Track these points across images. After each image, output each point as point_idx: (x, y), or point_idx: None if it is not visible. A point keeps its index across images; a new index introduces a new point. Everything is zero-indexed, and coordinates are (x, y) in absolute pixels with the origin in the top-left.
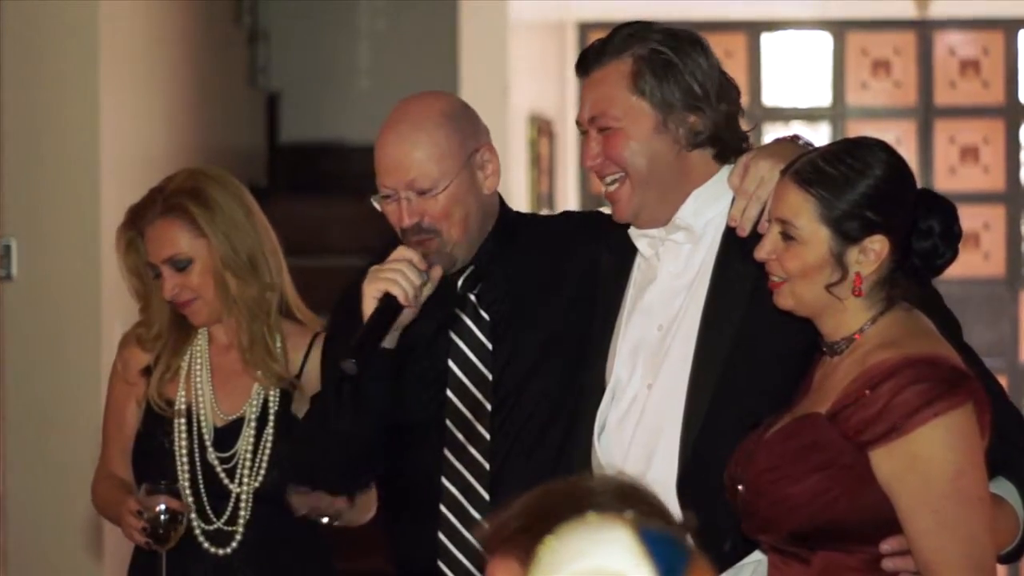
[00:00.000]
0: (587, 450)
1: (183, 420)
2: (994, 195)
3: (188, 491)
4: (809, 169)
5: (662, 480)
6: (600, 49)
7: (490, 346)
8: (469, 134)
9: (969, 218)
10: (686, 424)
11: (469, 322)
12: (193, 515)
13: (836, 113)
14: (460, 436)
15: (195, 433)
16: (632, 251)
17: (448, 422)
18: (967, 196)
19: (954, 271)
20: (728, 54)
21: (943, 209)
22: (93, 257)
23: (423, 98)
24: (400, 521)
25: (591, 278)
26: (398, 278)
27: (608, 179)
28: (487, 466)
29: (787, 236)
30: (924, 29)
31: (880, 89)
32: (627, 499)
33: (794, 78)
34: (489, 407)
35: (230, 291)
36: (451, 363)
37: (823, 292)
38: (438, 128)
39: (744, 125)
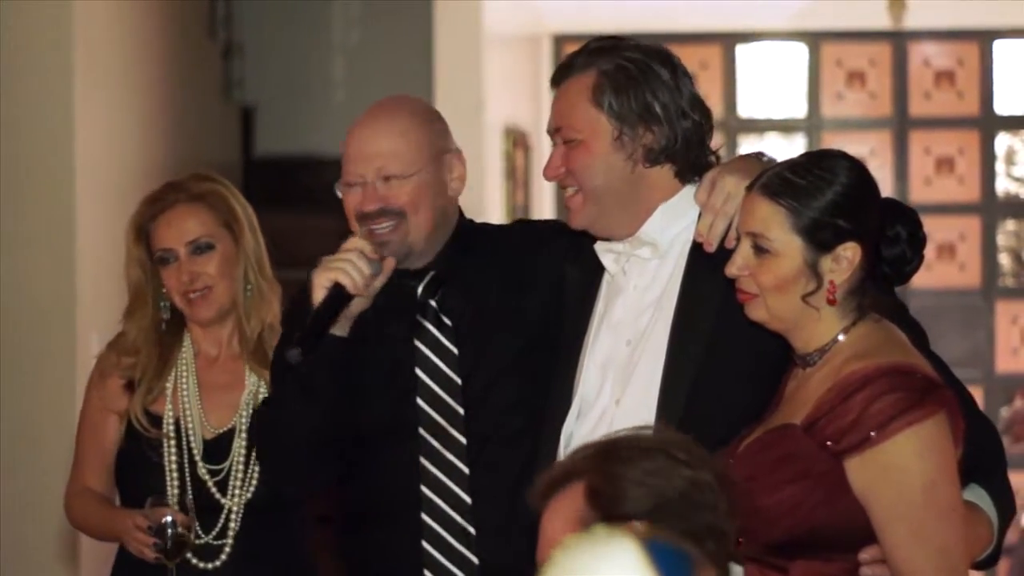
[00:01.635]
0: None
1: (172, 435)
2: (969, 206)
3: (177, 507)
4: (777, 181)
5: None
6: (570, 62)
7: (455, 351)
8: (439, 134)
9: (944, 229)
10: None
11: (432, 328)
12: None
13: (811, 124)
14: (435, 442)
15: (184, 447)
16: (599, 265)
17: (421, 430)
18: (942, 207)
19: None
20: (703, 66)
21: (908, 216)
22: (68, 269)
23: (398, 96)
24: (375, 532)
25: (554, 285)
26: (347, 267)
27: (568, 190)
28: (465, 470)
29: (760, 249)
30: (899, 40)
31: (855, 100)
32: (680, 438)
33: (769, 89)
34: (462, 411)
35: (242, 289)
36: (419, 372)
37: (797, 303)
38: (411, 121)
39: (715, 142)
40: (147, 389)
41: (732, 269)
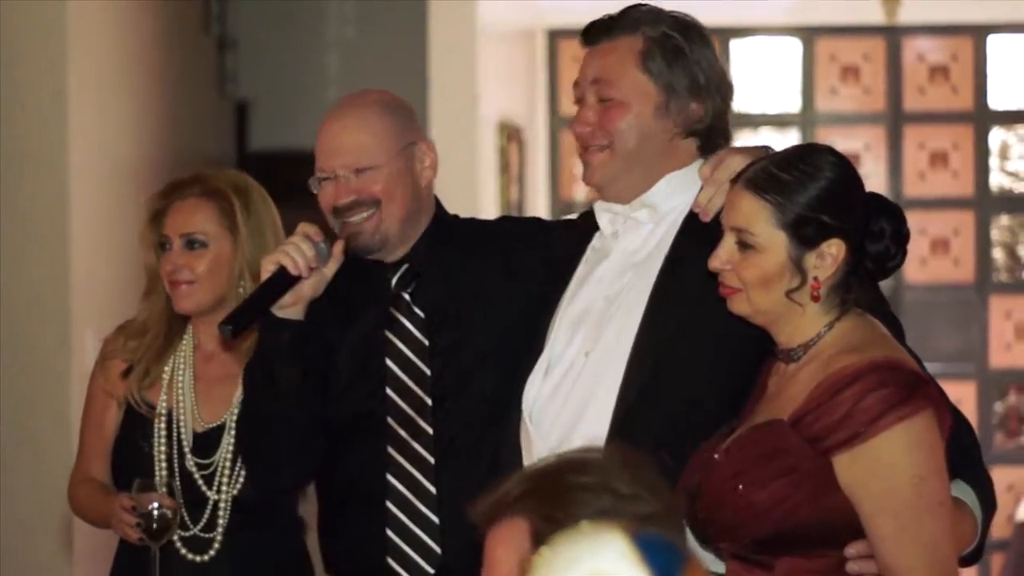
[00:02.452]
0: (516, 431)
1: (163, 425)
2: (963, 201)
3: (164, 489)
4: (762, 176)
5: (590, 440)
6: (611, 23)
7: (426, 342)
8: (407, 125)
9: (938, 224)
10: (623, 389)
11: (404, 320)
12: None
13: (805, 119)
14: (403, 432)
15: (174, 438)
16: (580, 247)
17: (389, 419)
18: (936, 202)
19: (924, 277)
20: None
21: (891, 211)
22: (62, 265)
23: (365, 91)
24: (344, 520)
25: (530, 281)
26: (290, 250)
27: (593, 147)
28: (431, 460)
29: (744, 244)
30: (893, 35)
31: (849, 95)
32: (625, 466)
33: (763, 84)
34: (430, 402)
35: (234, 289)
36: (389, 362)
37: (781, 299)
38: (377, 113)
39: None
40: (144, 371)
41: (715, 263)
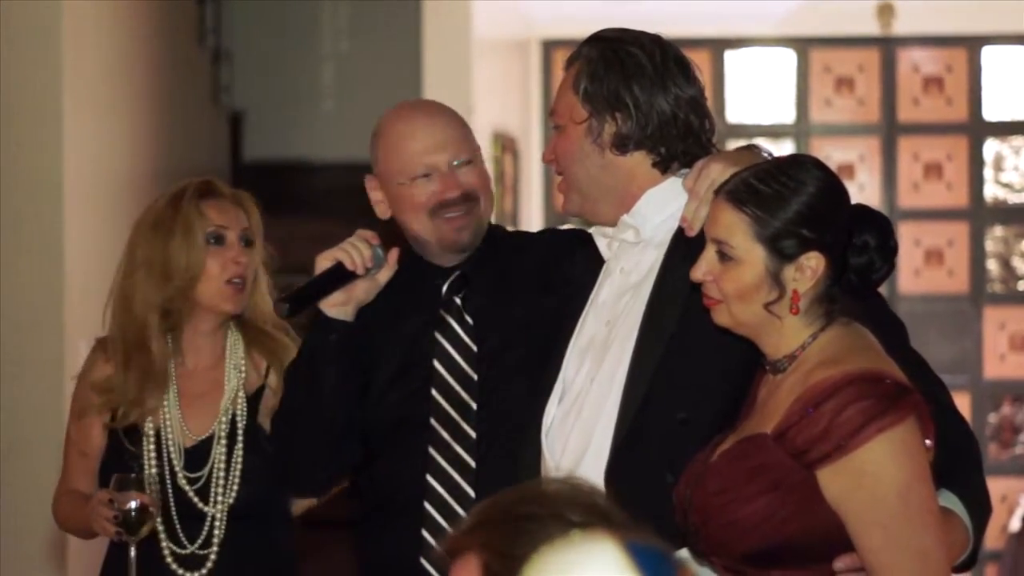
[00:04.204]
0: (537, 449)
1: (152, 446)
2: (958, 212)
3: (159, 517)
4: (742, 188)
5: (593, 473)
6: (576, 51)
7: (475, 347)
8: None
9: (933, 235)
10: (620, 420)
11: (454, 324)
12: (163, 538)
13: (800, 130)
14: (445, 434)
15: (164, 457)
16: (601, 260)
17: (433, 420)
18: (931, 213)
19: (918, 287)
20: None
21: (878, 223)
22: (57, 275)
23: (418, 99)
24: (382, 519)
25: (558, 296)
26: (349, 248)
27: (558, 177)
28: (473, 464)
29: (724, 256)
30: (887, 46)
31: (844, 106)
32: (580, 494)
33: (758, 95)
34: (475, 406)
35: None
36: (436, 363)
37: (761, 311)
38: (455, 112)
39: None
40: (126, 413)
41: (697, 274)
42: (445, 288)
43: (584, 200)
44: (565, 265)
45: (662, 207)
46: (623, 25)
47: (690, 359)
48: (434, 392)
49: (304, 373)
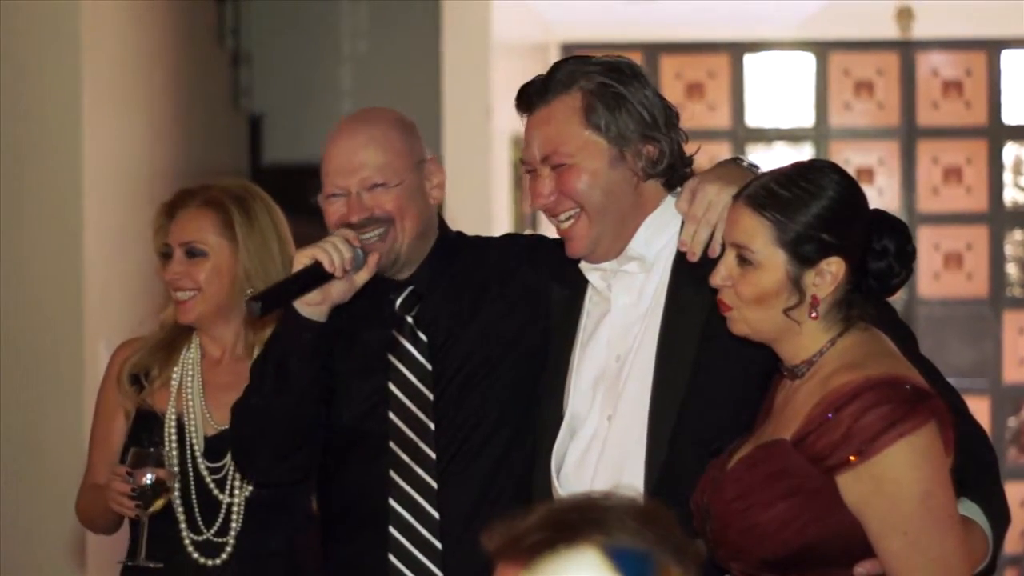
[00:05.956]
0: (547, 487)
1: (173, 431)
2: (977, 215)
3: (179, 502)
4: (763, 193)
5: None
6: (544, 86)
7: (429, 367)
8: (416, 143)
9: (952, 238)
10: (649, 455)
11: (408, 344)
12: (183, 526)
13: (819, 134)
14: (404, 456)
15: (186, 443)
16: (583, 282)
17: (391, 443)
18: (950, 217)
19: (937, 292)
20: (711, 75)
21: (896, 229)
22: (76, 276)
23: (372, 109)
24: (344, 546)
25: (535, 301)
26: (329, 248)
27: (562, 216)
28: (434, 485)
29: (743, 260)
30: (907, 50)
31: (863, 110)
32: (644, 518)
33: (777, 99)
34: (433, 427)
35: (237, 295)
36: (392, 386)
37: (779, 317)
38: (389, 130)
39: (723, 152)
40: (152, 374)
41: (716, 279)
42: (398, 305)
43: (602, 236)
44: (525, 272)
45: (660, 232)
46: (644, 31)
47: (714, 381)
48: (392, 416)
49: (274, 371)
